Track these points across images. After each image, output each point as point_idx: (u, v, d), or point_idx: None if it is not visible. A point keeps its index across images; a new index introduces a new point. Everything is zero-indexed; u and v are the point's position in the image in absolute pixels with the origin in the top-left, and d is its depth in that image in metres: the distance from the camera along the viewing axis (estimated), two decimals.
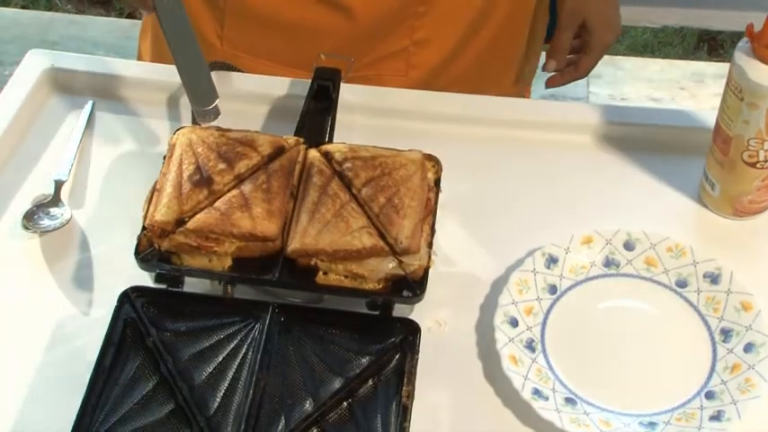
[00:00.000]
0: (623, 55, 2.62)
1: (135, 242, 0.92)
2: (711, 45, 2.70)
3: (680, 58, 2.67)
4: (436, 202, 0.97)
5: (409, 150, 0.98)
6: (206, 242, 0.91)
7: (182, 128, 1.00)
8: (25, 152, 1.11)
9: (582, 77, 1.33)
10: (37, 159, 1.10)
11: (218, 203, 0.93)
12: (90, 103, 1.14)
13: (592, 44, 1.29)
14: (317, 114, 1.05)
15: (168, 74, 1.17)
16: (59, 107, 1.15)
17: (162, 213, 0.92)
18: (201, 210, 0.92)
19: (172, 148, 0.98)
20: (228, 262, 0.92)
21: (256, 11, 1.19)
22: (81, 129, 1.11)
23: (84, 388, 0.85)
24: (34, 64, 1.17)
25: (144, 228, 0.93)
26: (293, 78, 1.15)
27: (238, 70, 1.17)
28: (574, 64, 1.32)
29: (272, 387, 0.86)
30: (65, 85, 1.17)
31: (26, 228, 1.02)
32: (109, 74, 1.18)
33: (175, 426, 0.84)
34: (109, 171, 1.09)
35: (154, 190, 0.95)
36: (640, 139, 1.12)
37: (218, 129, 0.99)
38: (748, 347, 0.92)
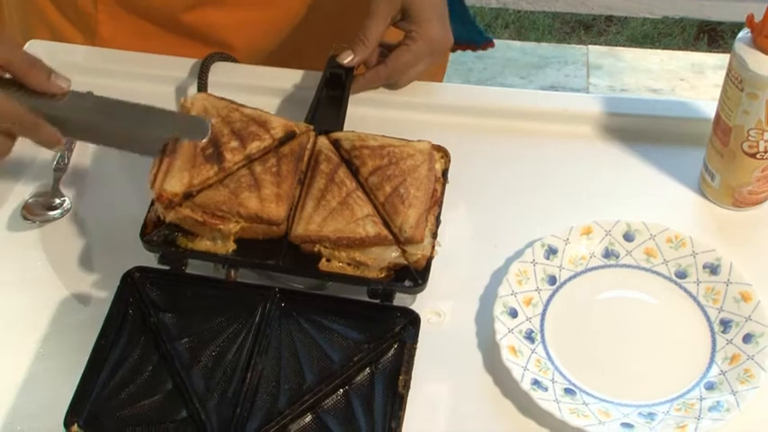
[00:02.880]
0: (623, 46, 2.62)
1: (135, 231, 0.92)
2: (711, 36, 2.70)
3: (680, 48, 2.67)
4: (443, 193, 0.96)
5: (418, 141, 0.98)
6: (212, 218, 0.91)
7: (195, 94, 0.99)
8: (24, 143, 1.10)
9: (387, 78, 1.07)
10: (36, 150, 1.09)
11: (227, 181, 0.92)
12: (88, 93, 1.14)
13: (413, 35, 1.05)
14: (328, 102, 1.05)
15: (166, 65, 1.17)
16: None
17: (171, 184, 0.91)
18: (210, 186, 0.92)
19: (186, 111, 0.96)
20: (232, 246, 0.92)
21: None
22: None
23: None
24: (34, 54, 1.17)
25: (150, 206, 0.92)
26: (295, 70, 1.15)
27: (236, 61, 1.17)
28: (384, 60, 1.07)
29: (269, 371, 0.86)
30: (64, 76, 1.17)
31: (26, 218, 1.02)
32: (107, 65, 1.18)
33: (172, 406, 0.84)
34: (107, 161, 1.09)
35: (163, 155, 0.93)
36: (640, 130, 1.11)
37: (233, 102, 0.98)
38: (747, 338, 0.92)
